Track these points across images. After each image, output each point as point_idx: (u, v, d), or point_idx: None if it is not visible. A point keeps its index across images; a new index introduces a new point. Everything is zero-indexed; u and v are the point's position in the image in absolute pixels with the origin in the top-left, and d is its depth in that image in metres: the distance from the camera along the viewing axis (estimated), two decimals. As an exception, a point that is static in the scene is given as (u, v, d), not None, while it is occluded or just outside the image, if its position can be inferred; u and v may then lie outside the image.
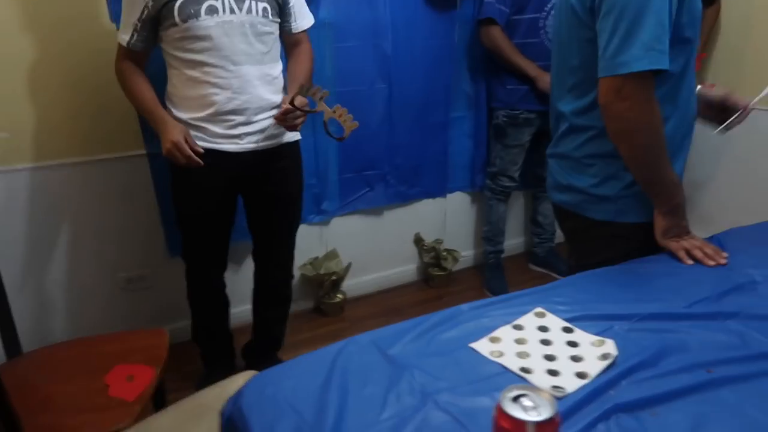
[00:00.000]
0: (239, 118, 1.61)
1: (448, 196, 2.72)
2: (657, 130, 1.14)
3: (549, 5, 2.27)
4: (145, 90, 1.61)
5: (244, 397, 0.80)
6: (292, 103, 1.55)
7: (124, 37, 1.56)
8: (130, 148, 2.00)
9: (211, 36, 1.52)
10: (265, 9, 1.58)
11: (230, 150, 1.64)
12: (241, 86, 1.58)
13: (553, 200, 1.44)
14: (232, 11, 1.53)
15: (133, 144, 2.00)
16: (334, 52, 2.20)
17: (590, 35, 1.16)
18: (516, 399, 0.63)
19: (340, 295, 2.54)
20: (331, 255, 2.51)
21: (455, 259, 2.78)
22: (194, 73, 1.56)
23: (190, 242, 1.81)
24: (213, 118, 1.60)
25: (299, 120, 1.60)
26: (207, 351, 2.01)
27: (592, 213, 1.32)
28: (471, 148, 2.69)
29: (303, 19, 1.73)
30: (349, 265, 2.53)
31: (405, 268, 2.79)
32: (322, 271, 2.44)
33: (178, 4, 1.49)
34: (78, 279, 2.07)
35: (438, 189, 2.68)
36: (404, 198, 2.61)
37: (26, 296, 1.98)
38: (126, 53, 1.59)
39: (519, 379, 0.85)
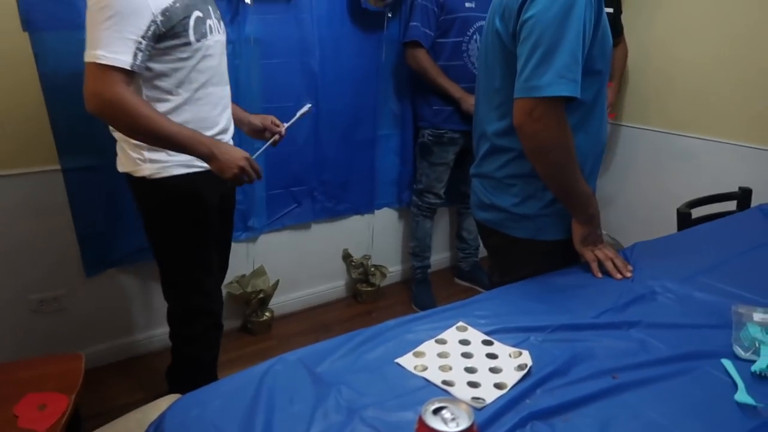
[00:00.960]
0: (227, 137, 1.62)
1: (376, 212, 2.77)
2: (568, 149, 1.21)
3: (472, 30, 2.38)
4: (163, 118, 1.36)
5: (167, 420, 0.79)
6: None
7: (124, 59, 1.27)
8: (41, 163, 1.90)
9: (214, 55, 1.50)
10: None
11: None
12: (228, 105, 1.61)
13: (477, 218, 1.50)
14: (218, 31, 1.54)
15: (44, 159, 1.90)
16: (261, 68, 2.20)
17: (512, 59, 1.22)
18: (436, 411, 0.66)
19: (267, 313, 2.51)
20: (259, 272, 2.48)
21: (383, 275, 2.82)
22: (197, 94, 1.48)
23: (200, 275, 1.66)
24: (213, 138, 1.54)
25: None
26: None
27: (514, 231, 1.38)
28: (398, 165, 2.75)
29: None
30: (276, 282, 2.51)
31: (333, 285, 2.80)
32: (249, 289, 2.41)
33: (192, 21, 1.39)
34: (-17, 302, 1.94)
35: (366, 205, 2.71)
36: (332, 214, 2.63)
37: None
38: (125, 78, 1.29)
39: (442, 392, 0.89)
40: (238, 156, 1.41)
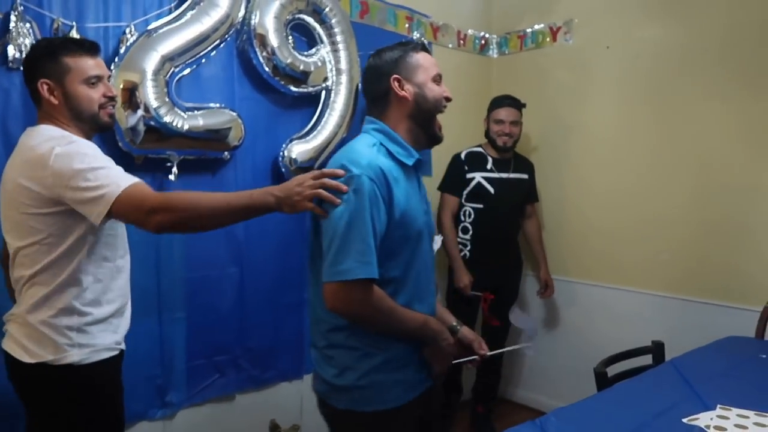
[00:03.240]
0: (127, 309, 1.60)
1: (305, 377, 2.64)
2: (381, 314, 1.31)
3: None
4: None
5: None
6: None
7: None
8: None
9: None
10: None
11: (123, 349, 1.59)
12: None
13: (313, 387, 1.50)
14: None
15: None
16: (184, 238, 2.17)
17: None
18: None
19: (184, 501, 2.26)
20: (176, 454, 2.26)
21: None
22: (118, 262, 1.53)
23: None
24: (121, 308, 1.55)
25: None
26: None
27: (335, 402, 1.40)
28: (327, 325, 2.69)
29: None
30: (196, 464, 2.29)
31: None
32: (163, 475, 2.18)
33: None
34: None
35: (294, 370, 2.59)
36: (258, 383, 2.48)
37: None
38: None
39: None
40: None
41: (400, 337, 1.37)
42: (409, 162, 1.41)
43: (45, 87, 1.44)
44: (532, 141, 3.21)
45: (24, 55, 1.63)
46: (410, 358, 1.40)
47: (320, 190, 1.28)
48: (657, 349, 2.04)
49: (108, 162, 1.40)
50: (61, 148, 1.36)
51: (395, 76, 1.40)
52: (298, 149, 2.33)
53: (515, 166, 2.91)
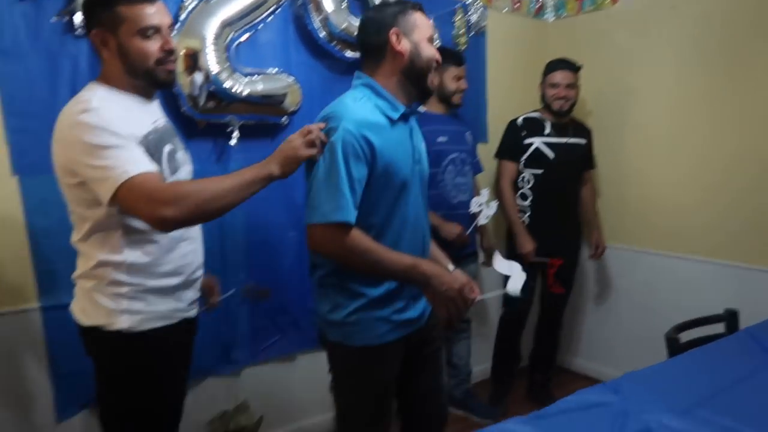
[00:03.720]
0: (196, 275, 1.57)
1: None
2: (356, 255, 1.39)
3: (446, 161, 2.49)
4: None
5: None
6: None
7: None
8: (16, 303, 1.88)
9: None
10: None
11: (190, 317, 1.56)
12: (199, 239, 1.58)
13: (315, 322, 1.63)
14: (187, 162, 1.55)
15: (21, 298, 1.88)
16: (245, 204, 2.23)
17: None
18: None
19: (250, 453, 2.36)
20: (241, 408, 2.36)
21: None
22: (173, 233, 1.41)
23: None
24: (187, 280, 1.49)
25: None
26: None
27: (329, 335, 1.55)
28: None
29: None
30: (260, 419, 2.38)
31: (322, 418, 2.66)
32: (231, 427, 2.28)
33: (165, 155, 1.41)
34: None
35: (353, 333, 2.64)
36: (317, 344, 2.55)
37: None
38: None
39: None
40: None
41: (388, 278, 1.47)
42: (395, 116, 1.47)
43: (98, 38, 1.35)
44: (588, 105, 3.12)
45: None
46: (395, 299, 1.50)
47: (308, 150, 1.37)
48: (730, 318, 1.96)
49: (124, 141, 1.28)
50: (82, 117, 1.27)
51: (395, 29, 1.45)
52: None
53: (573, 130, 2.84)
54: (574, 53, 2.90)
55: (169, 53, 1.39)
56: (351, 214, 1.37)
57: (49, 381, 1.95)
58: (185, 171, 1.52)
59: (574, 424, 1.24)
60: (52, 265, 1.88)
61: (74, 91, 1.83)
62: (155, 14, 1.36)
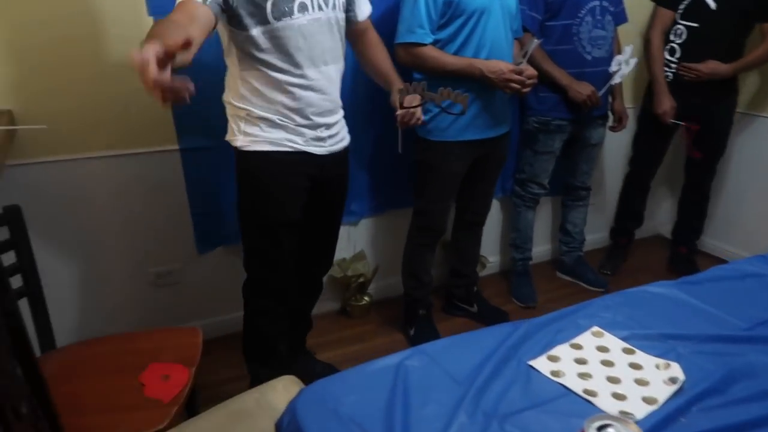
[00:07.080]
0: (324, 120, 1.60)
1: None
2: (427, 62, 1.90)
3: (583, 11, 2.24)
4: None
5: (299, 412, 0.78)
6: (402, 105, 1.58)
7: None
8: (161, 143, 1.99)
9: (304, 35, 1.46)
10: (343, 2, 1.56)
11: (315, 153, 1.61)
12: (328, 87, 1.57)
13: None
14: (320, 8, 1.49)
15: (164, 139, 1.99)
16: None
17: None
18: (601, 429, 0.60)
19: (366, 298, 2.52)
20: (359, 256, 2.49)
21: (482, 265, 2.74)
22: (284, 76, 1.48)
23: (270, 251, 1.69)
24: (305, 120, 1.56)
25: (418, 115, 1.64)
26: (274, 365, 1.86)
27: (427, 135, 2.04)
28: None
29: (365, 3, 1.69)
30: (376, 268, 2.51)
31: (433, 272, 2.75)
32: (349, 273, 2.42)
33: (270, 1, 1.40)
34: (109, 272, 2.07)
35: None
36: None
37: (59, 289, 1.96)
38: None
39: (584, 402, 0.82)
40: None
41: (457, 76, 1.87)
42: None
43: None
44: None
45: None
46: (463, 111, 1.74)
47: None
48: None
49: None
50: None
51: None
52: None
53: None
54: None
55: None
56: (422, 36, 1.85)
57: (191, 216, 2.12)
58: (312, 16, 1.49)
59: (725, 291, 1.17)
60: (189, 110, 1.93)
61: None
62: None
